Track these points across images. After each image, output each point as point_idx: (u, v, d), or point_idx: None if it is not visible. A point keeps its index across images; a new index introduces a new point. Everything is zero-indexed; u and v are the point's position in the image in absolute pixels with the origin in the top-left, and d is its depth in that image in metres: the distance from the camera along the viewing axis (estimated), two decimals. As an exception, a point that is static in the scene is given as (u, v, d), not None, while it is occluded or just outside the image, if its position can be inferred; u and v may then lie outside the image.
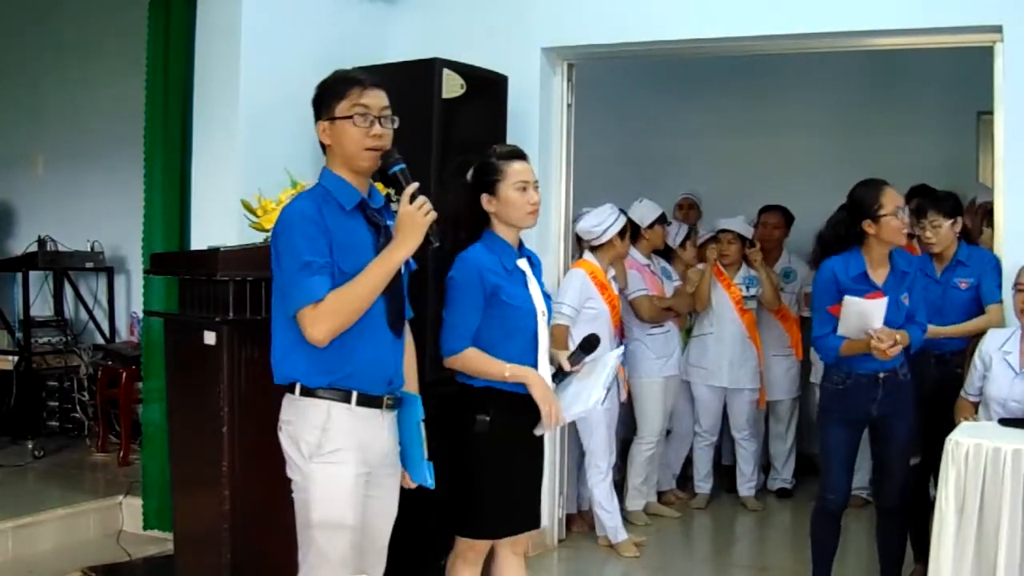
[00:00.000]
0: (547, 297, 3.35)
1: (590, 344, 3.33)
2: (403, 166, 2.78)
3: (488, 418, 3.20)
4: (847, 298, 3.88)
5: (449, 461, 3.18)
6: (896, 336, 3.82)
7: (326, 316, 2.63)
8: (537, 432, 3.23)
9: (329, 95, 2.78)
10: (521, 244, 3.35)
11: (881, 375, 3.96)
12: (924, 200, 4.56)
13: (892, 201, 3.88)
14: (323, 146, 2.84)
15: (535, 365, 3.22)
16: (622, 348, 4.18)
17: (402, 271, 2.85)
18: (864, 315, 3.84)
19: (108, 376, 6.37)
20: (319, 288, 2.63)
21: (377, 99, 2.77)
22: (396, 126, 2.81)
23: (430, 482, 2.94)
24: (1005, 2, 4.36)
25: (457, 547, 3.34)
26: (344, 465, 2.73)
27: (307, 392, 2.74)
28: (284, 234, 2.69)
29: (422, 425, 2.92)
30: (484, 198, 3.25)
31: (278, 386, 2.82)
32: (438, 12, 5.24)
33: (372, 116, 2.75)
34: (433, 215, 2.70)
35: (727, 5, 4.82)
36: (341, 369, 2.72)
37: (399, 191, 2.75)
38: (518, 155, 3.32)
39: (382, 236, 2.81)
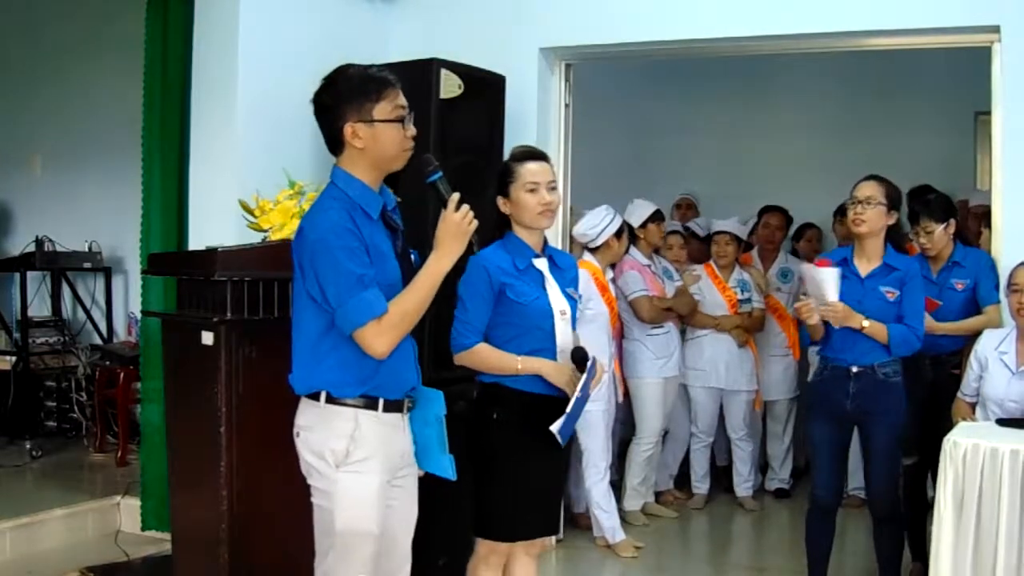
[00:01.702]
0: (570, 298, 3.33)
1: (580, 358, 3.24)
2: (441, 174, 2.76)
3: (495, 416, 3.22)
4: (802, 266, 4.16)
5: (469, 460, 3.19)
6: (855, 315, 3.89)
7: (390, 330, 2.62)
8: (554, 428, 3.16)
9: (361, 95, 2.68)
10: (546, 245, 3.37)
11: (854, 370, 3.97)
12: (915, 205, 4.57)
13: (853, 193, 4.03)
14: (336, 145, 2.75)
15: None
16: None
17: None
18: (817, 283, 3.94)
19: (106, 376, 6.37)
20: (378, 302, 2.61)
21: (403, 98, 2.75)
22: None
23: (451, 474, 2.92)
24: (1003, 3, 4.36)
25: (478, 550, 3.35)
26: (371, 474, 2.71)
27: (333, 400, 2.71)
28: (324, 248, 2.61)
29: (443, 419, 2.91)
30: (499, 200, 3.29)
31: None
32: (436, 12, 5.24)
33: (405, 116, 2.74)
34: (475, 223, 2.70)
35: (725, 5, 4.82)
36: (371, 378, 2.70)
37: (439, 200, 2.73)
38: (533, 156, 3.32)
39: (400, 239, 2.80)
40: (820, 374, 4.13)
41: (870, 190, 3.98)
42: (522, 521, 3.30)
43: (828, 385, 4.07)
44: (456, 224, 2.68)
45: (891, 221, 4.01)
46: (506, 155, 3.49)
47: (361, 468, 2.70)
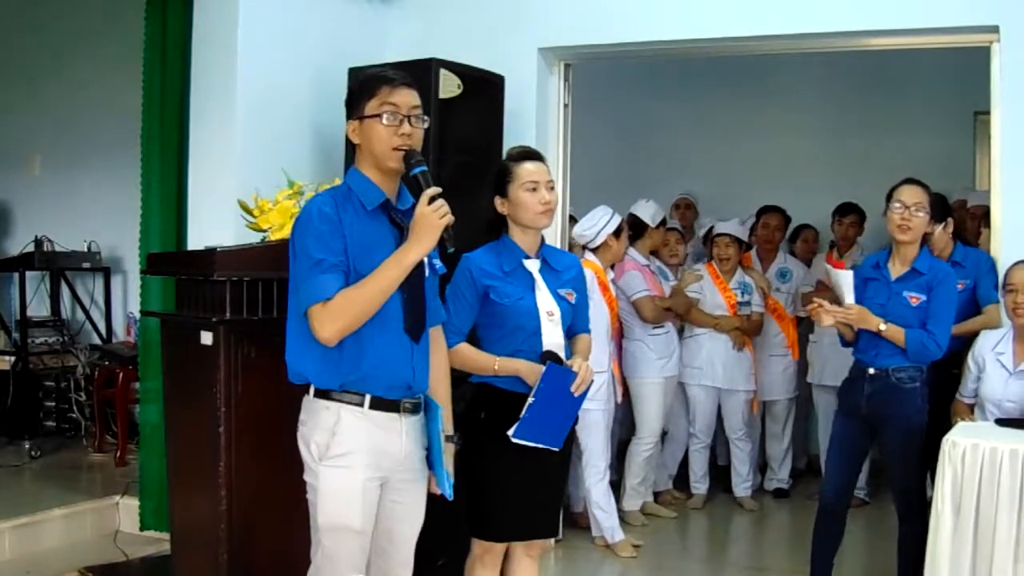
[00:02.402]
0: (562, 299, 3.31)
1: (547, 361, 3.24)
2: (424, 168, 2.76)
3: (483, 416, 3.22)
4: (827, 267, 4.31)
5: (461, 461, 3.19)
6: (872, 318, 3.91)
7: (335, 315, 2.61)
8: (510, 432, 3.17)
9: (359, 94, 2.78)
10: (542, 246, 3.35)
11: (870, 371, 3.97)
12: None
13: (894, 196, 3.96)
14: (352, 146, 2.83)
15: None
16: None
17: (426, 274, 2.84)
18: (836, 283, 4.02)
19: (105, 376, 6.37)
20: (329, 286, 2.62)
21: (407, 98, 2.77)
22: (427, 126, 2.82)
23: (449, 493, 2.93)
24: (1002, 2, 4.36)
25: (474, 550, 3.35)
26: (351, 469, 2.71)
27: (320, 394, 2.73)
28: (300, 231, 2.70)
29: (441, 436, 2.91)
30: (497, 200, 3.28)
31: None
32: (435, 13, 5.24)
33: (401, 115, 2.74)
34: (449, 218, 2.67)
35: (724, 5, 4.82)
36: (352, 371, 2.71)
37: (420, 193, 2.72)
38: (530, 156, 3.32)
39: (405, 238, 2.80)
40: (849, 373, 4.16)
41: (919, 196, 3.92)
42: (512, 521, 3.29)
43: (849, 384, 4.11)
44: (426, 217, 2.66)
45: (929, 229, 4.01)
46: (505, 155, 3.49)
47: (341, 463, 2.71)
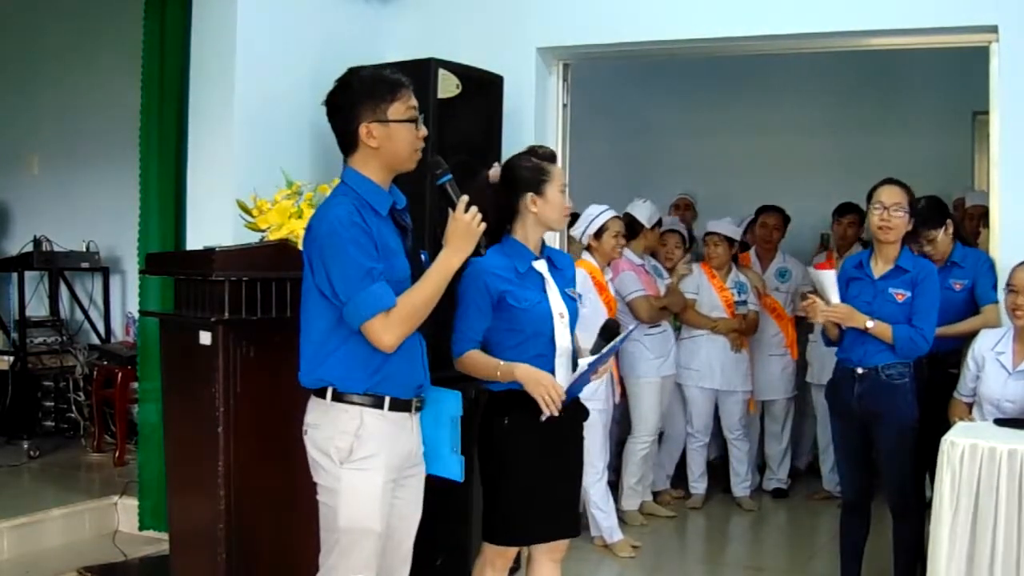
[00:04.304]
0: (570, 299, 3.29)
1: (610, 330, 3.27)
2: (450, 177, 2.82)
3: (506, 421, 3.18)
4: (808, 269, 4.39)
5: (481, 467, 3.18)
6: (859, 316, 3.93)
7: (399, 323, 2.67)
8: (543, 418, 3.14)
9: (376, 96, 2.74)
10: (544, 246, 3.33)
11: (859, 371, 3.98)
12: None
13: (874, 197, 3.99)
14: (349, 145, 2.79)
15: (553, 368, 3.19)
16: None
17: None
18: (819, 284, 4.05)
19: (104, 376, 6.37)
20: (387, 295, 2.65)
21: (415, 99, 2.80)
22: None
23: (459, 475, 2.95)
24: (1001, 3, 4.36)
25: (485, 553, 3.30)
26: (374, 472, 2.73)
27: (339, 397, 2.73)
28: (332, 243, 2.66)
29: (458, 421, 2.93)
30: (528, 197, 3.20)
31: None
32: (433, 12, 5.24)
33: (417, 118, 2.79)
34: (484, 225, 2.78)
35: (724, 5, 4.82)
36: (375, 374, 2.73)
37: (447, 202, 2.81)
38: (555, 158, 3.35)
39: (409, 238, 2.85)
40: (833, 374, 4.18)
41: (898, 196, 3.94)
42: (537, 524, 3.25)
43: (837, 385, 4.12)
44: (466, 224, 2.75)
45: (910, 228, 4.01)
46: (504, 155, 3.48)
47: (365, 465, 2.72)
